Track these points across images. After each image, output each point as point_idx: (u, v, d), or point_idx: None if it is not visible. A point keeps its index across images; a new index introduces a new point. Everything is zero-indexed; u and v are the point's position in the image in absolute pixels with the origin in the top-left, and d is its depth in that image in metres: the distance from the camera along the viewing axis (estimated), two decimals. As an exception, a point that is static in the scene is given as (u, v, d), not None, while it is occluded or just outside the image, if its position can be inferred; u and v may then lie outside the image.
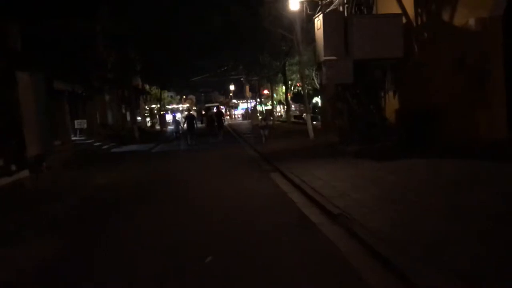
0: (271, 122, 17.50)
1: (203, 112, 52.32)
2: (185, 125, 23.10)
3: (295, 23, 18.47)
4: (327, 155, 13.05)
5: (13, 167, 13.06)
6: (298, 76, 32.61)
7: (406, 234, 5.25)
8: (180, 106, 69.98)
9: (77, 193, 10.60)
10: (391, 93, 14.01)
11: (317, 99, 45.01)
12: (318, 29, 13.65)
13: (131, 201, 9.39)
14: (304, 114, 38.05)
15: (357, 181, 8.85)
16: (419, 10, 13.60)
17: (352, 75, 12.95)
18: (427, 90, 12.73)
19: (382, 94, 13.93)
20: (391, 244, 4.96)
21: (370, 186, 8.25)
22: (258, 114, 18.53)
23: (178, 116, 32.93)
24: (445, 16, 12.20)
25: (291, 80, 31.53)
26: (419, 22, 13.61)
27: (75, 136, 23.83)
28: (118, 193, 10.62)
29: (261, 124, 17.36)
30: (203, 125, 49.31)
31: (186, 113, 25.58)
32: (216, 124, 25.25)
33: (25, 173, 13.45)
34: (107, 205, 9.26)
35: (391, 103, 14.19)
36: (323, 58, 13.15)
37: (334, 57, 12.98)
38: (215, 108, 39.69)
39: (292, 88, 33.98)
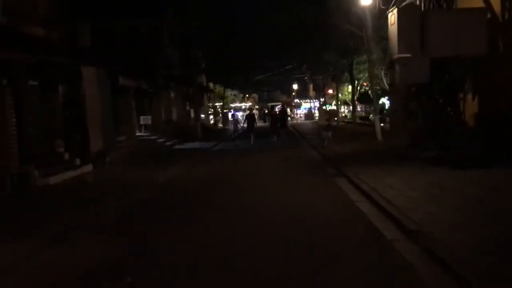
0: (335, 123, 16.59)
1: (266, 111, 51.94)
2: (245, 124, 22.38)
3: (366, 19, 17.50)
4: (398, 161, 12.10)
5: (77, 161, 13.27)
6: (366, 75, 31.36)
7: (503, 264, 4.41)
8: (243, 105, 70.17)
9: (135, 192, 10.44)
10: (470, 95, 12.76)
11: (384, 100, 43.32)
12: (392, 24, 12.69)
13: (187, 206, 9.03)
14: (371, 115, 36.67)
15: (434, 191, 7.94)
16: (507, 4, 12.29)
17: (428, 74, 11.90)
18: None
19: (461, 96, 12.71)
20: (483, 274, 4.15)
21: (450, 198, 7.33)
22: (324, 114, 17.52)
23: (240, 114, 32.84)
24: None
25: (358, 79, 30.30)
26: (506, 17, 12.31)
27: (140, 132, 24.23)
28: (175, 194, 10.34)
29: (323, 125, 16.53)
30: (267, 123, 49.14)
31: (248, 111, 24.43)
32: (279, 123, 24.90)
33: (88, 167, 13.63)
34: (163, 207, 8.99)
35: (470, 106, 12.94)
36: (396, 55, 12.19)
37: (408, 55, 11.99)
38: (277, 107, 39.32)
39: (358, 88, 32.76)
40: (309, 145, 20.23)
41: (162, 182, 11.88)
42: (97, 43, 16.72)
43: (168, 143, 22.95)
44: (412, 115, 13.43)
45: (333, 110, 17.90)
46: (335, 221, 6.89)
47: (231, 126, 22.89)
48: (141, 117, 23.76)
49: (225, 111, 45.45)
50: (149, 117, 24.07)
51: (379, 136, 18.06)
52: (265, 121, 49.08)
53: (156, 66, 23.22)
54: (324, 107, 36.46)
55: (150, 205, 9.17)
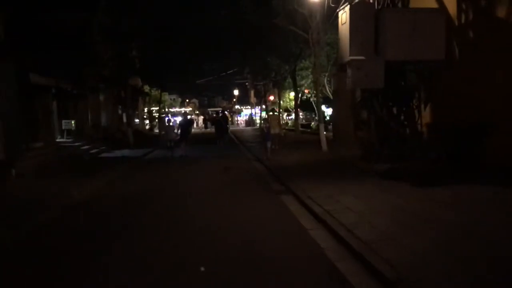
0: (279, 131, 15.06)
1: (205, 117, 50.20)
2: (178, 130, 18.73)
3: (313, 19, 16.30)
4: (350, 174, 10.85)
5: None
6: (308, 81, 30.47)
7: None
8: (183, 109, 67.79)
9: (37, 215, 8.38)
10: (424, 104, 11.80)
11: (324, 108, 42.83)
12: (342, 24, 11.49)
13: (103, 233, 7.17)
14: (313, 123, 35.85)
15: (400, 216, 6.64)
16: (464, 6, 11.48)
17: (383, 79, 10.74)
18: (472, 101, 10.56)
19: (416, 104, 11.69)
20: None
21: (422, 226, 6.04)
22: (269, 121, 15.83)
23: (177, 120, 30.64)
24: (500, 13, 10.10)
25: (300, 86, 29.28)
26: (463, 21, 11.50)
27: (63, 137, 21.68)
28: (87, 218, 8.38)
29: (273, 132, 14.91)
30: (205, 129, 47.39)
31: (184, 117, 21.44)
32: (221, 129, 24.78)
33: (-13, 181, 11.30)
34: (71, 236, 7.05)
35: (426, 114, 11.98)
36: (348, 57, 10.97)
37: (362, 57, 10.80)
38: (219, 113, 37.76)
39: (299, 95, 31.79)
40: (251, 154, 18.70)
41: (76, 200, 9.85)
42: (13, 36, 14.33)
43: (93, 151, 20.57)
44: (362, 124, 12.27)
45: (277, 116, 16.37)
46: (286, 261, 5.32)
47: (164, 134, 19.26)
48: (63, 121, 21.23)
49: (161, 116, 43.09)
50: (71, 121, 21.59)
51: (324, 145, 16.88)
52: (206, 127, 47.33)
53: (84, 64, 20.84)
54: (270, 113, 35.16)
55: (48, 235, 7.17)
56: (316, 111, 20.32)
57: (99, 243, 6.42)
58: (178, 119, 35.74)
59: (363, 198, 8.07)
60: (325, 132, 19.51)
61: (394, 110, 11.70)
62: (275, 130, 15.17)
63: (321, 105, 40.03)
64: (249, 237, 6.33)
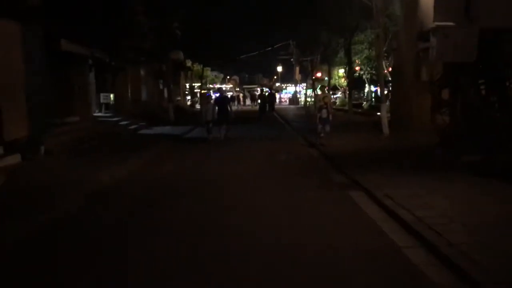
0: (330, 116, 12.94)
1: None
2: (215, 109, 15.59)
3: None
4: (430, 166, 8.94)
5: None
6: (361, 58, 28.14)
7: None
8: (218, 86, 66.32)
9: (61, 202, 7.02)
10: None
11: (373, 88, 40.24)
12: (425, -17, 9.43)
13: (127, 229, 5.70)
14: (364, 102, 33.54)
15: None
16: None
17: (475, 51, 8.69)
18: None
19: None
20: None
21: None
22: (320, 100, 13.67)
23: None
24: None
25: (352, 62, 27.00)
26: None
27: (100, 111, 20.62)
28: (115, 207, 6.95)
29: (322, 116, 12.83)
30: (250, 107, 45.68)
31: (218, 94, 17.19)
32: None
33: (12, 159, 10.12)
34: (83, 235, 5.60)
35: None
36: (432, 23, 8.95)
37: (451, 23, 8.76)
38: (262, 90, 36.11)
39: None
40: (299, 136, 16.96)
41: (106, 185, 8.48)
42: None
43: (132, 127, 19.38)
44: (443, 106, 10.24)
45: (328, 96, 14.38)
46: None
47: (203, 113, 16.01)
48: (101, 95, 20.11)
49: (203, 92, 41.77)
50: (110, 94, 20.42)
51: (385, 129, 14.90)
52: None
53: (123, 35, 19.51)
54: (317, 91, 32.83)
55: (64, 231, 5.75)
56: (380, 89, 18.16)
57: (118, 239, 4.94)
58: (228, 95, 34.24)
59: (462, 202, 6.22)
60: (378, 113, 17.54)
61: (485, 90, 9.65)
62: (327, 111, 13.15)
63: (372, 83, 37.58)
64: (320, 252, 4.67)
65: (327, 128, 13.00)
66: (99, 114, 20.17)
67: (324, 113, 12.93)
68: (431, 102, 10.67)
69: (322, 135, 13.03)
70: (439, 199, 6.37)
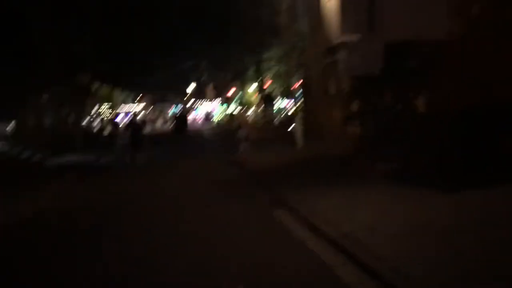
0: (249, 129, 13.01)
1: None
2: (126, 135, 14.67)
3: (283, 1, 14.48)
4: (349, 177, 9.07)
5: None
6: (271, 74, 28.64)
7: None
8: (132, 109, 64.28)
9: None
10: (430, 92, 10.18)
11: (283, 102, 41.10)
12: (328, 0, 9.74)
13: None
14: (276, 118, 34.11)
15: (464, 241, 4.88)
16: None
17: (381, 63, 9.08)
18: (483, 84, 9.01)
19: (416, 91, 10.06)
20: None
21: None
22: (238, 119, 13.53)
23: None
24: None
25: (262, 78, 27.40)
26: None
27: (-1, 143, 18.88)
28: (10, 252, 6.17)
29: (240, 134, 12.76)
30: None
31: (131, 118, 16.23)
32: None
33: None
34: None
35: (425, 103, 10.39)
36: (339, 38, 9.22)
37: (357, 36, 9.09)
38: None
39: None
40: (218, 154, 16.67)
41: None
42: None
43: (36, 157, 17.89)
44: (354, 117, 10.56)
45: (241, 115, 14.15)
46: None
47: (117, 140, 15.63)
48: (-1, 124, 18.42)
49: (113, 115, 40.18)
50: (9, 123, 18.75)
51: (300, 142, 15.13)
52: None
53: (21, 60, 18.15)
54: (228, 111, 32.85)
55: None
56: (292, 103, 18.46)
57: None
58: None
59: (387, 211, 6.30)
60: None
61: (391, 100, 10.09)
62: (245, 129, 13.12)
63: (283, 98, 38.39)
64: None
65: (246, 145, 12.94)
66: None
67: (242, 131, 12.89)
68: (342, 113, 10.97)
69: (242, 152, 12.94)
70: (363, 210, 6.40)
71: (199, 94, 59.20)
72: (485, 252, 4.47)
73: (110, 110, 39.94)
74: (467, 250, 4.55)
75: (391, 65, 9.27)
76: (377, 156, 9.52)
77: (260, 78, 23.49)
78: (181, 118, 25.85)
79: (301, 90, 21.50)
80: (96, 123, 41.13)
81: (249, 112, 42.97)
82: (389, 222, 5.77)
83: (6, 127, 18.72)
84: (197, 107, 63.49)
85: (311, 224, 6.28)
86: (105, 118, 41.15)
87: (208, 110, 52.14)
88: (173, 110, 36.55)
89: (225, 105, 39.53)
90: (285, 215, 7.04)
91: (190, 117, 57.32)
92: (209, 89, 45.11)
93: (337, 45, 9.38)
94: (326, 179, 9.01)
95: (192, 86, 55.37)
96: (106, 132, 36.71)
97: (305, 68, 20.09)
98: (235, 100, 39.96)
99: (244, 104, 40.43)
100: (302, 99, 21.67)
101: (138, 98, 73.68)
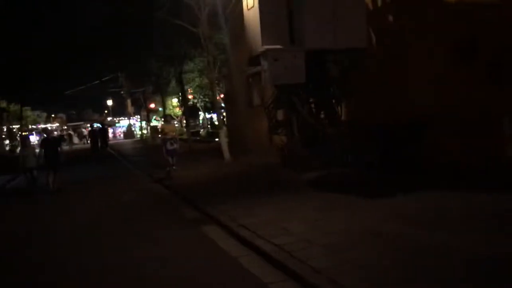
0: (177, 145, 12.46)
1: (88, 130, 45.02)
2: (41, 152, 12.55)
3: (202, 11, 14.26)
4: (276, 188, 8.95)
5: None
6: (193, 86, 28.33)
7: None
8: (49, 126, 60.62)
9: None
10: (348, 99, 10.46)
11: (208, 115, 40.85)
12: (249, 9, 9.72)
13: None
14: (201, 130, 33.72)
15: (386, 245, 4.92)
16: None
17: (304, 71, 9.14)
18: (402, 94, 9.39)
19: (337, 100, 10.29)
20: None
21: (429, 259, 4.35)
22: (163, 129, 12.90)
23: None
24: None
25: (184, 91, 26.92)
26: (379, 4, 10.40)
27: None
28: None
29: (167, 147, 12.11)
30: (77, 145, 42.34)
31: (46, 134, 14.66)
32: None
33: None
34: None
35: (345, 111, 10.66)
36: (262, 47, 9.16)
37: (279, 46, 9.08)
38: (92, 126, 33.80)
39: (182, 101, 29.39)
40: (140, 171, 15.98)
41: None
42: None
43: None
44: (278, 127, 10.53)
45: (172, 125, 13.55)
46: None
47: (22, 159, 12.68)
48: None
49: (23, 134, 37.42)
50: None
51: (226, 154, 14.91)
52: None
53: None
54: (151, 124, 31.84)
55: None
56: (216, 116, 18.18)
57: None
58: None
59: (315, 220, 6.23)
60: (217, 139, 17.56)
61: (313, 107, 10.22)
62: (173, 142, 12.54)
63: (207, 111, 38.08)
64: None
65: (174, 159, 12.38)
66: None
67: (169, 144, 12.26)
68: (268, 124, 10.92)
69: (174, 167, 12.28)
70: (293, 222, 6.28)
71: (119, 110, 57.19)
72: (418, 247, 4.50)
73: (21, 129, 37.12)
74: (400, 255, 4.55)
75: (313, 74, 9.35)
76: (303, 165, 9.55)
77: (183, 90, 22.97)
78: (100, 133, 24.74)
79: (225, 102, 21.44)
80: (6, 143, 38.22)
81: (174, 124, 42.18)
82: (323, 232, 5.69)
83: None
84: (117, 122, 61.29)
85: (238, 236, 6.06)
86: (18, 138, 38.26)
87: (130, 124, 50.46)
88: (93, 126, 34.68)
89: (145, 120, 38.40)
90: (215, 232, 6.74)
91: (110, 133, 55.25)
92: (128, 104, 43.56)
93: (260, 54, 9.28)
94: (255, 192, 8.83)
95: (110, 102, 53.20)
96: (17, 151, 34.16)
97: (228, 79, 20.00)
98: (157, 113, 39.03)
99: (168, 117, 39.60)
100: (227, 111, 21.58)
101: (52, 117, 69.91)
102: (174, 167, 12.29)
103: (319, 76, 9.73)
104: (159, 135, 13.68)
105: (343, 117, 10.11)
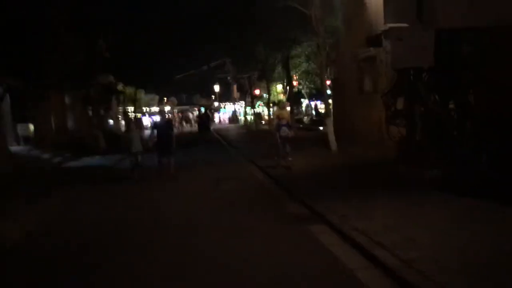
0: (291, 132, 11.62)
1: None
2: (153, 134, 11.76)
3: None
4: (395, 186, 7.88)
5: None
6: (298, 72, 27.50)
7: None
8: (160, 108, 63.70)
9: None
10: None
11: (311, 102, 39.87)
12: (370, -17, 8.55)
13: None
14: (305, 117, 32.93)
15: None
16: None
17: (432, 54, 7.85)
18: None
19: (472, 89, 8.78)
20: None
21: None
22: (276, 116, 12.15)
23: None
24: None
25: (290, 77, 26.25)
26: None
27: (19, 145, 18.32)
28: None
29: (281, 134, 11.32)
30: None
31: (160, 117, 13.47)
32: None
33: None
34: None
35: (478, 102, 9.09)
36: (384, 25, 8.04)
37: (404, 24, 7.88)
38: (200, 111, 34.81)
39: (287, 87, 28.72)
40: (243, 158, 15.64)
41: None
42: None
43: (56, 160, 17.26)
44: (399, 117, 9.31)
45: (286, 110, 12.59)
46: None
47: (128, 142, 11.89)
48: (19, 126, 17.87)
49: (138, 116, 39.68)
50: (29, 125, 18.23)
51: (333, 145, 13.93)
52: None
53: (43, 59, 17.45)
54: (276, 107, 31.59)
55: None
56: (324, 103, 17.19)
57: None
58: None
59: (447, 233, 5.13)
60: (321, 128, 16.58)
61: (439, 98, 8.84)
62: (286, 129, 11.71)
63: (310, 98, 37.14)
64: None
65: (288, 148, 11.65)
66: (18, 148, 17.87)
67: (284, 131, 11.53)
68: (385, 113, 9.74)
69: (290, 158, 11.54)
70: (419, 231, 5.24)
71: (225, 95, 58.45)
72: None
73: (135, 111, 39.35)
74: None
75: (442, 56, 8.02)
76: (425, 162, 8.30)
77: (288, 76, 22.28)
78: (205, 117, 25.60)
79: (332, 89, 20.37)
80: (122, 123, 40.82)
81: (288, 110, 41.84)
82: (454, 248, 4.60)
83: (27, 128, 18.14)
84: (223, 108, 62.80)
85: (353, 241, 5.18)
86: (132, 118, 40.67)
87: (234, 110, 51.34)
88: (200, 111, 35.56)
89: (250, 106, 38.50)
90: (325, 233, 5.92)
91: (216, 118, 56.77)
92: (234, 90, 44.17)
93: (379, 35, 8.17)
94: (369, 189, 7.83)
95: (217, 88, 54.48)
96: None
97: (337, 64, 18.90)
98: (262, 99, 38.94)
99: (281, 103, 39.34)
100: (334, 98, 20.49)
101: (164, 100, 73.68)
102: (290, 158, 11.52)
103: (449, 58, 8.34)
104: (263, 122, 12.97)
105: (477, 109, 8.61)
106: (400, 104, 9.25)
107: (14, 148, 17.51)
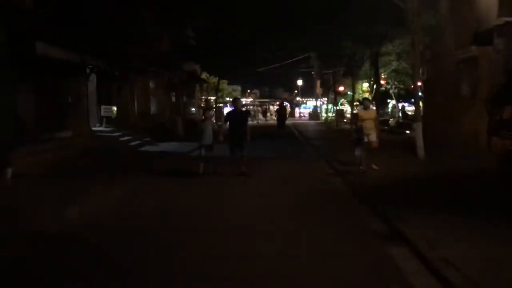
0: (374, 141, 10.58)
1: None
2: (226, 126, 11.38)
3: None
4: (494, 205, 6.71)
5: None
6: (387, 71, 25.95)
7: None
8: (243, 100, 63.99)
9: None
10: None
11: (393, 103, 37.68)
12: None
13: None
14: (391, 119, 31.13)
15: None
16: None
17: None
18: None
19: None
20: None
21: None
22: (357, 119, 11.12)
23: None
24: None
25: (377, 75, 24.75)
26: None
27: (101, 126, 18.85)
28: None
29: (365, 141, 10.29)
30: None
31: (233, 106, 12.23)
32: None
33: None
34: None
35: None
36: (497, 19, 6.83)
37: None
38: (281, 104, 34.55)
39: (374, 86, 27.16)
40: (320, 157, 14.79)
41: (72, 225, 6.50)
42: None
43: (134, 143, 17.52)
44: (506, 126, 8.01)
45: (373, 111, 11.26)
46: None
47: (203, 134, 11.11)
48: (102, 107, 18.36)
49: (219, 105, 39.99)
50: (112, 107, 18.67)
51: (421, 152, 12.64)
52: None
53: (128, 41, 17.75)
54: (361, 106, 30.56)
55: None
56: (414, 105, 15.84)
57: None
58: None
59: None
60: (408, 132, 15.18)
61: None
62: (370, 135, 10.73)
63: (398, 99, 35.10)
64: None
65: (363, 155, 10.63)
66: (99, 128, 18.39)
67: (360, 135, 10.50)
68: (488, 122, 8.45)
69: (374, 166, 10.58)
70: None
71: (307, 90, 57.47)
72: None
73: (216, 100, 39.62)
74: None
75: None
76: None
77: (376, 74, 20.96)
78: (280, 111, 25.88)
79: (423, 91, 18.83)
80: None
81: (374, 110, 40.15)
82: None
83: (111, 109, 18.59)
84: (304, 103, 61.88)
85: (446, 280, 4.21)
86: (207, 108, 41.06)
87: (315, 105, 50.27)
88: (282, 104, 35.03)
89: (332, 103, 37.30)
90: (406, 259, 5.00)
91: (296, 113, 56.08)
92: (318, 85, 43.08)
93: (489, 30, 6.96)
94: (466, 208, 6.71)
95: (299, 82, 53.64)
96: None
97: (431, 64, 17.38)
98: (346, 97, 37.57)
99: (366, 101, 37.68)
100: (425, 101, 18.95)
101: (248, 92, 74.21)
102: (374, 166, 10.53)
103: None
104: (344, 120, 11.97)
105: None
106: (507, 113, 7.94)
107: (96, 128, 18.02)
